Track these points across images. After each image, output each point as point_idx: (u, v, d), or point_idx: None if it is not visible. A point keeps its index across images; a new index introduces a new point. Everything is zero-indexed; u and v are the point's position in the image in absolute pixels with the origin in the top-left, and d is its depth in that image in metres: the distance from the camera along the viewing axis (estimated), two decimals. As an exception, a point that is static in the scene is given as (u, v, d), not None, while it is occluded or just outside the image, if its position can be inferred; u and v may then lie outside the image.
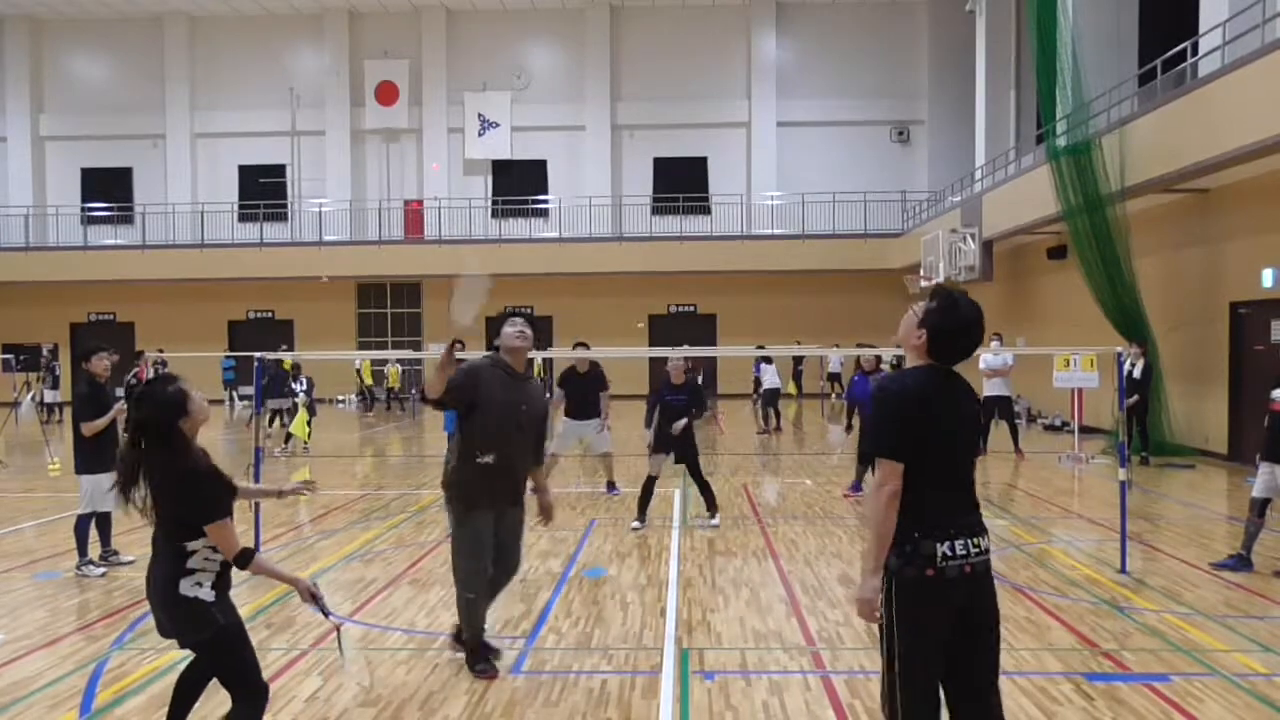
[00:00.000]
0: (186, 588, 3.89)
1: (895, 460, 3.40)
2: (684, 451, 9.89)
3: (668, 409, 9.87)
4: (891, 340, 3.60)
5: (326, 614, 4.20)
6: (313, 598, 4.10)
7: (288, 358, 17.35)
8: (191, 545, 3.90)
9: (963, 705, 3.52)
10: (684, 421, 9.75)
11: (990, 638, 3.51)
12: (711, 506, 9.99)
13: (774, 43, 32.08)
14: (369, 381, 29.81)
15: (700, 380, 10.56)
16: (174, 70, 32.86)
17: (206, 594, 3.91)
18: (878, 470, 3.46)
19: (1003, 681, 5.37)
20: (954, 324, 3.48)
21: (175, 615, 3.92)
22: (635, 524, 9.91)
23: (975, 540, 3.42)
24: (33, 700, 5.28)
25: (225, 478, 4.01)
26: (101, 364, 8.29)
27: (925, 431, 3.41)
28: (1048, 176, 16.41)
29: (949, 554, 3.36)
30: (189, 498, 3.88)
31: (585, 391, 11.73)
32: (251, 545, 3.99)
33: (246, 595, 7.44)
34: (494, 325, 26.16)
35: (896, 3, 31.71)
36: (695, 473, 9.98)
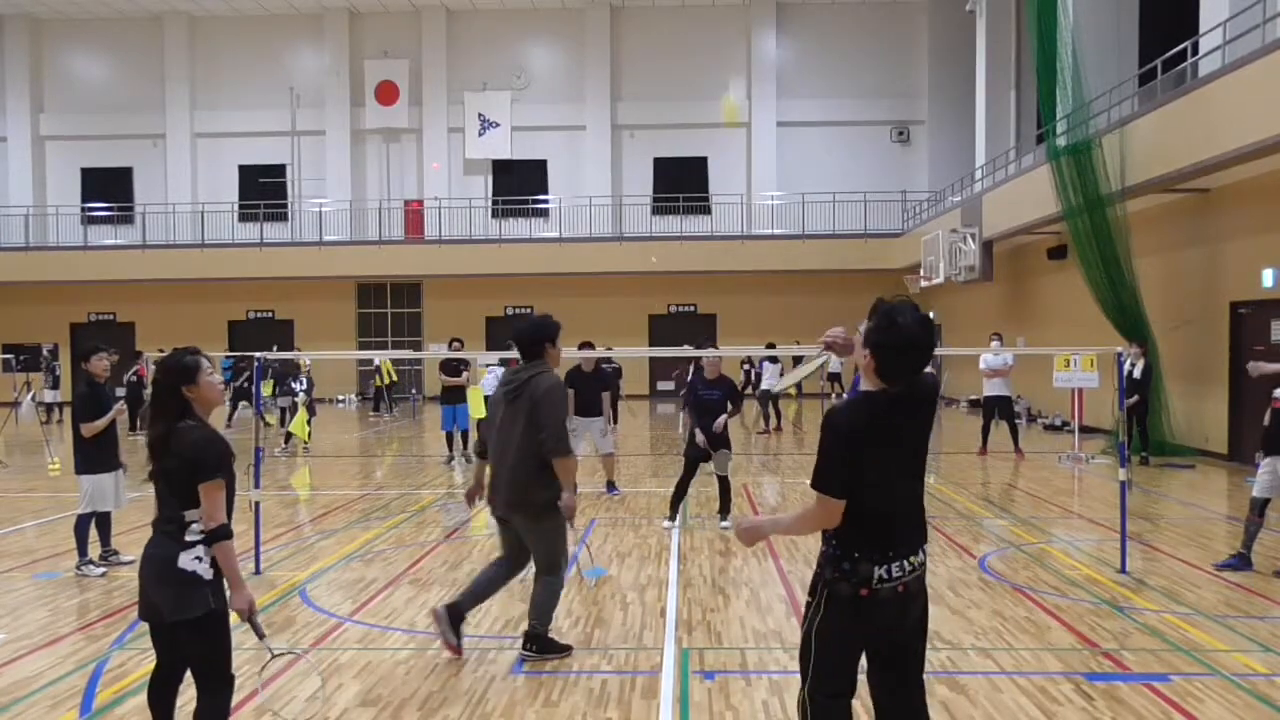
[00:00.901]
0: (186, 561, 3.91)
1: (835, 498, 3.37)
2: (718, 449, 9.95)
3: (702, 405, 9.93)
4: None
5: (261, 636, 4.16)
6: (250, 615, 4.07)
7: (303, 359, 17.44)
8: (191, 514, 3.93)
9: (895, 711, 3.65)
10: (724, 419, 9.84)
11: (919, 646, 3.60)
12: (725, 509, 9.99)
13: (774, 43, 32.08)
14: (388, 381, 29.75)
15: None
16: (174, 70, 32.86)
17: (205, 571, 3.93)
18: (816, 502, 3.42)
19: (1003, 681, 5.41)
20: (894, 341, 3.34)
21: (172, 591, 3.91)
22: (666, 523, 10.03)
23: (911, 559, 3.43)
24: (33, 700, 5.28)
25: (229, 450, 4.05)
26: (101, 364, 8.28)
27: (868, 462, 3.36)
28: (1048, 176, 16.41)
29: (885, 577, 3.37)
30: (187, 454, 3.94)
31: (590, 389, 11.96)
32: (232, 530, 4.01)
33: (246, 595, 7.44)
34: (494, 324, 26.29)
35: (896, 3, 31.71)
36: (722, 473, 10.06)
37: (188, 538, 3.94)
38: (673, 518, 10.05)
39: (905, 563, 3.41)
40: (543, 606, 5.82)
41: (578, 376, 11.99)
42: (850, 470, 3.35)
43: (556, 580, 5.83)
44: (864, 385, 3.50)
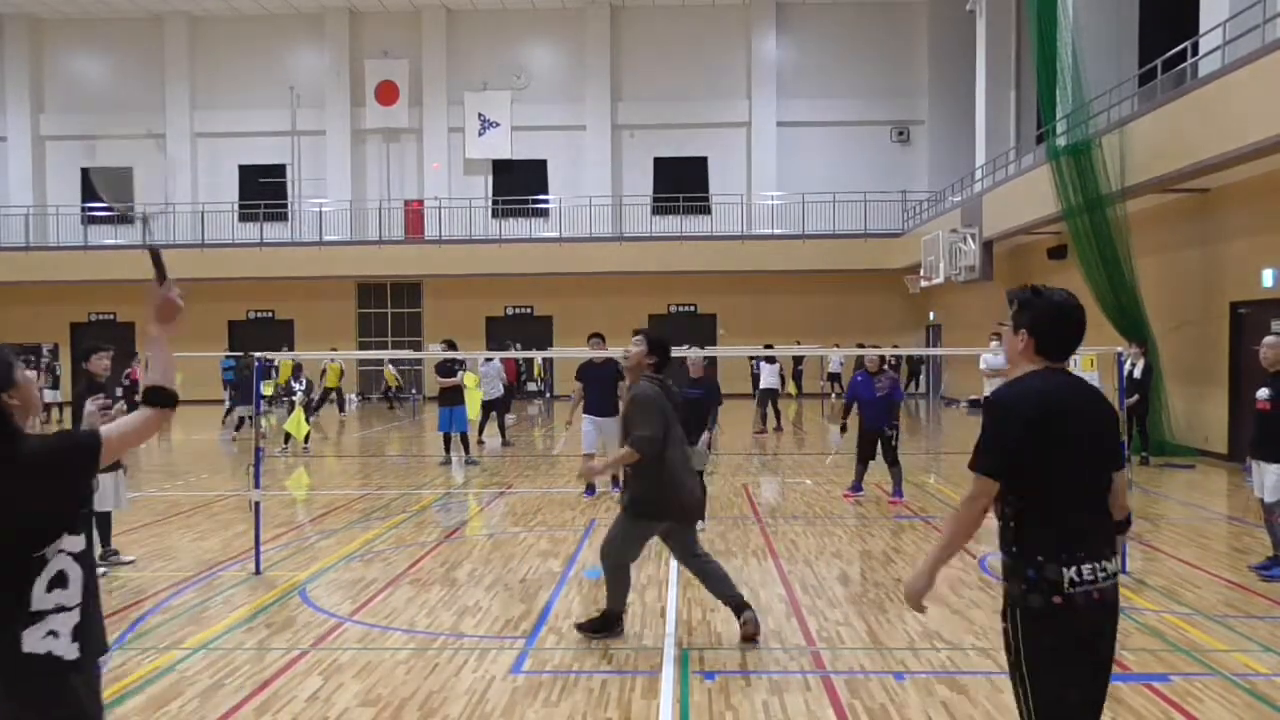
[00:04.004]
0: (33, 641, 2.52)
1: (992, 478, 3.15)
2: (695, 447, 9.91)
3: (685, 402, 9.87)
4: (1003, 369, 3.46)
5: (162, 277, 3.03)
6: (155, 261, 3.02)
7: (335, 360, 17.44)
8: (47, 552, 2.57)
9: None
10: (708, 436, 9.80)
11: (1109, 669, 3.32)
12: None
13: (774, 43, 32.09)
14: (395, 383, 29.90)
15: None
16: (174, 70, 32.87)
17: (65, 649, 2.56)
18: (972, 484, 3.21)
19: (1002, 681, 5.40)
20: (1052, 308, 3.23)
21: (17, 689, 2.51)
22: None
23: (1103, 564, 3.17)
24: (33, 700, 5.27)
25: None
26: (101, 363, 8.31)
27: (1047, 443, 3.11)
28: (1048, 176, 16.41)
29: (1076, 579, 3.09)
30: (45, 464, 2.64)
31: (603, 383, 11.61)
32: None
33: (245, 595, 7.45)
34: (494, 324, 26.35)
35: (896, 3, 31.71)
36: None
37: (33, 603, 2.53)
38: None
39: (1097, 566, 3.14)
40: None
41: (589, 369, 11.71)
42: (1013, 449, 3.12)
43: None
44: (1015, 371, 3.33)
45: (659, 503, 5.88)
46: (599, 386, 11.65)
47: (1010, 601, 3.18)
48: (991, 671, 5.60)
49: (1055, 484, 3.14)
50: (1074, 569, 3.09)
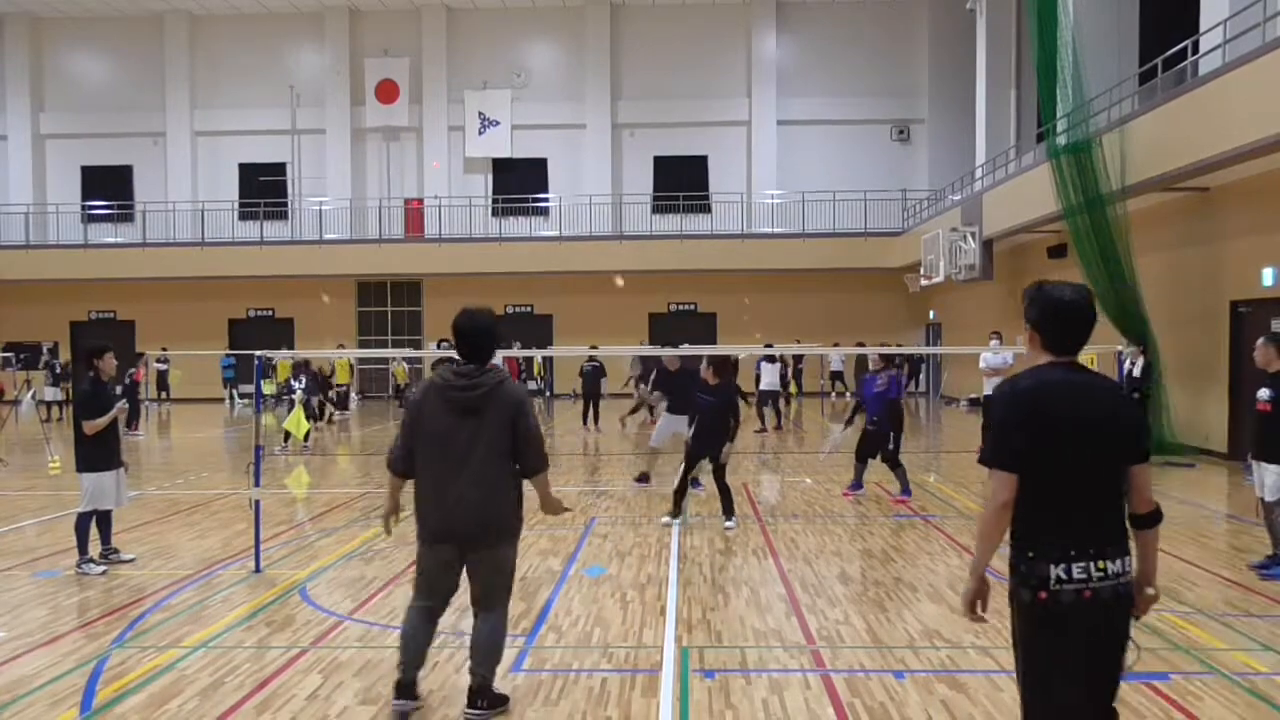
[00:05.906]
0: None
1: (1006, 470, 3.21)
2: (717, 453, 9.95)
3: (701, 411, 10.07)
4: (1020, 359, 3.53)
5: None
6: None
7: (341, 357, 17.45)
8: None
9: None
10: (729, 447, 9.97)
11: (1113, 662, 3.36)
12: (728, 510, 9.90)
13: (774, 41, 32.08)
14: (403, 380, 29.90)
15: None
16: (174, 68, 32.86)
17: None
18: (990, 481, 3.28)
19: (1003, 680, 5.41)
20: (1050, 304, 3.33)
21: None
22: (666, 519, 10.04)
23: (1101, 563, 3.17)
24: (33, 698, 5.28)
25: None
26: (111, 363, 8.39)
27: (1038, 436, 3.19)
28: (1048, 175, 16.41)
29: (1064, 577, 3.17)
30: None
31: (682, 387, 11.85)
32: None
33: (245, 593, 7.46)
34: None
35: (896, 2, 31.70)
36: (719, 475, 9.99)
37: None
38: (675, 514, 10.03)
39: (1091, 565, 3.16)
40: (497, 650, 5.00)
41: (667, 379, 12.68)
42: (1019, 440, 3.19)
43: (507, 616, 5.10)
44: (1025, 366, 3.43)
45: (419, 521, 4.99)
46: (679, 390, 11.95)
47: (1009, 591, 3.33)
48: (991, 670, 5.61)
49: (1048, 478, 3.19)
50: (1062, 567, 3.17)
